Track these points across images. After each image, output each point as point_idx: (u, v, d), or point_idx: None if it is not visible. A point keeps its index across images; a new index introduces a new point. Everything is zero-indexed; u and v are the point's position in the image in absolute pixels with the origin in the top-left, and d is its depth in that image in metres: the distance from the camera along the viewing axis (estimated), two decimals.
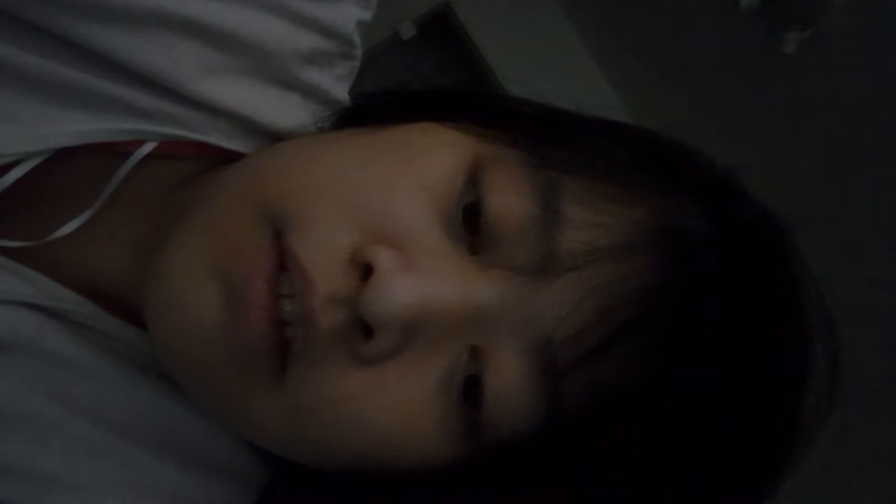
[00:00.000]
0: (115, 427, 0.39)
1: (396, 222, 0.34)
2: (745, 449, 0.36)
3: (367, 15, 0.46)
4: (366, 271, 0.33)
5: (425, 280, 0.33)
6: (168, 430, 0.40)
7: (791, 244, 0.38)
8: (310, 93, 0.44)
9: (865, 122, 1.26)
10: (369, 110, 0.44)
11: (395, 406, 0.33)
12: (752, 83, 1.39)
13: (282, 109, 0.43)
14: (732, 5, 1.43)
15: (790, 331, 0.36)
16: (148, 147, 0.40)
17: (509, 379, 0.33)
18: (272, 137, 0.43)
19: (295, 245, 0.33)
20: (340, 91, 0.46)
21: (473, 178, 0.35)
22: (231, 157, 0.42)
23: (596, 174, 0.36)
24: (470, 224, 0.35)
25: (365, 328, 0.32)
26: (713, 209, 0.37)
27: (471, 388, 0.34)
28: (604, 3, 1.79)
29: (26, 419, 0.37)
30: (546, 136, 0.38)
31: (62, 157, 0.39)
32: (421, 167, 0.35)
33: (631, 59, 1.54)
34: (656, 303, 0.33)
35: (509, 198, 0.34)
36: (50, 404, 0.38)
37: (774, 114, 1.36)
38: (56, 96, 0.38)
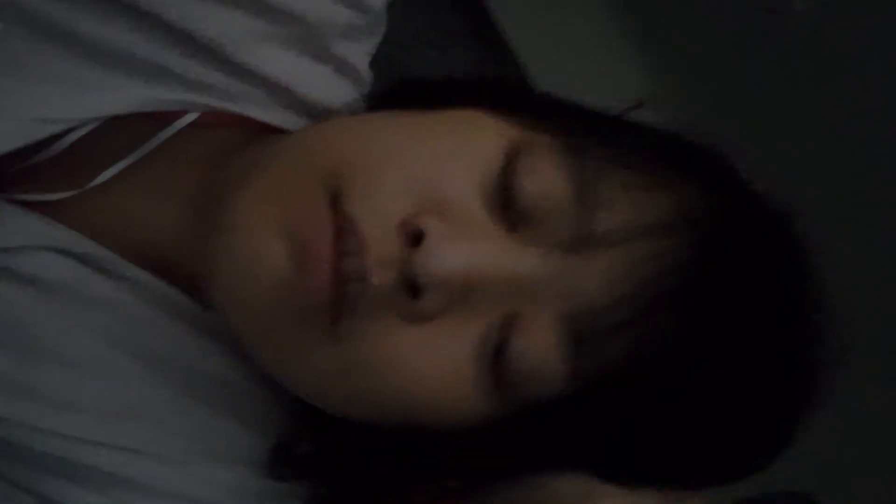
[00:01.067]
0: (149, 366, 0.42)
1: (445, 195, 0.37)
2: (761, 419, 0.40)
3: None
4: (415, 238, 0.35)
5: (473, 247, 0.36)
6: (197, 374, 0.43)
7: (797, 237, 0.41)
8: (341, 67, 0.47)
9: (877, 84, 1.22)
10: (410, 94, 0.47)
11: (436, 361, 0.37)
12: (762, 43, 1.36)
13: (317, 82, 0.46)
14: None
15: (799, 313, 0.40)
16: (190, 117, 0.43)
17: (542, 345, 0.36)
18: (305, 109, 0.46)
19: (351, 211, 0.36)
20: (363, 66, 0.49)
21: (514, 161, 0.38)
22: (264, 128, 0.45)
23: (628, 163, 0.39)
24: (509, 204, 0.38)
25: (411, 290, 0.35)
26: (728, 198, 0.41)
27: (505, 352, 0.37)
28: None
29: (67, 355, 0.40)
30: (579, 127, 0.42)
31: (110, 124, 0.42)
32: (468, 148, 0.38)
33: (644, 20, 1.51)
34: (685, 279, 0.37)
35: (548, 179, 0.37)
36: (90, 342, 0.41)
37: (786, 76, 1.33)
38: (114, 64, 0.41)
